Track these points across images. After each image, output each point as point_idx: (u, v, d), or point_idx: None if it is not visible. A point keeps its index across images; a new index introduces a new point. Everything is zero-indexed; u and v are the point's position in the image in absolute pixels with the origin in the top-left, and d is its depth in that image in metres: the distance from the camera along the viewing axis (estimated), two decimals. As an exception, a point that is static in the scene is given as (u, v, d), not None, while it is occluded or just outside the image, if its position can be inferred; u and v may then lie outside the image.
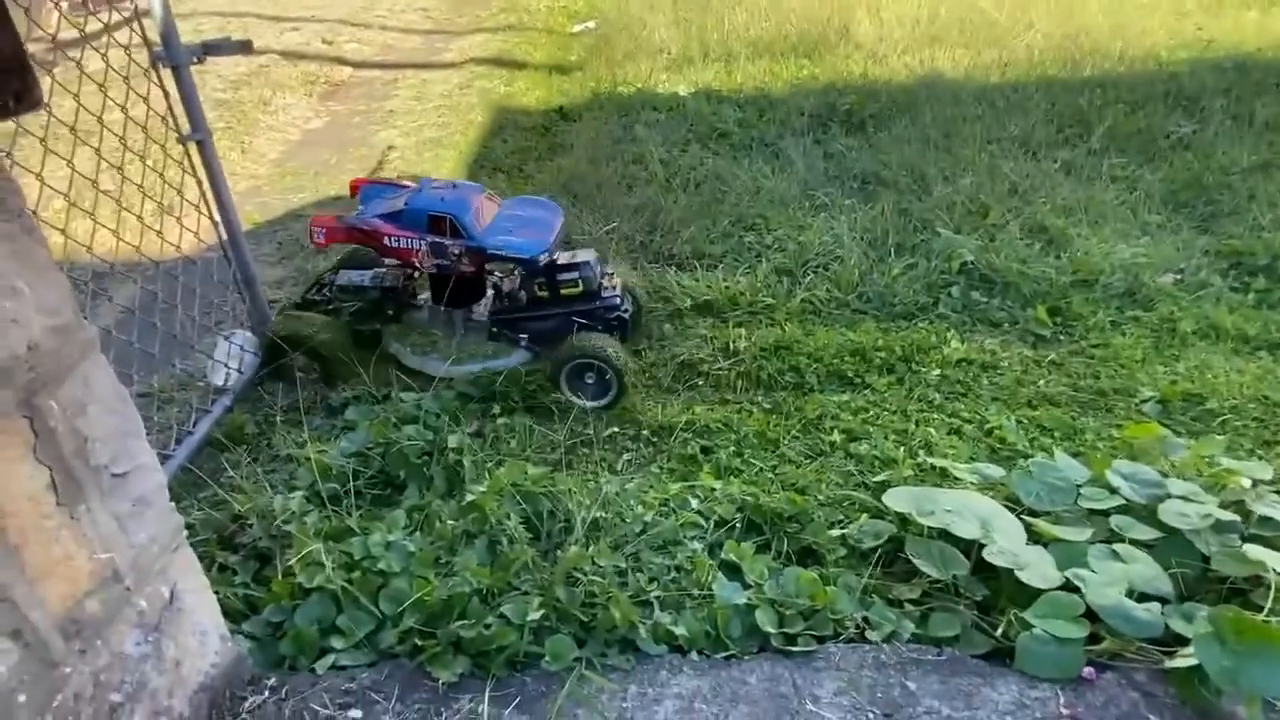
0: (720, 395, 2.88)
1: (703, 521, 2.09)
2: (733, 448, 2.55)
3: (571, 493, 2.11)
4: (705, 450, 2.55)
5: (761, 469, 2.45)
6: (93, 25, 2.54)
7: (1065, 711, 1.51)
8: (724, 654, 1.67)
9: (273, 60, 7.18)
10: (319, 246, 2.98)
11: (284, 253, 3.94)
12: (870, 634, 1.72)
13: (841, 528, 2.13)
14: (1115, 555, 1.80)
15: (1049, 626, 1.62)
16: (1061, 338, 3.15)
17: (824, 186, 4.24)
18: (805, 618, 1.76)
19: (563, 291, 2.87)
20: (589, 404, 2.77)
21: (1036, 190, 4.03)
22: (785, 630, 1.72)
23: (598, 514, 2.05)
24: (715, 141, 4.89)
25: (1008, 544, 1.79)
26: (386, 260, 2.97)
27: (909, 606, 1.83)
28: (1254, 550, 1.64)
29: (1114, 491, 2.01)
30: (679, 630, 1.68)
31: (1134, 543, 1.85)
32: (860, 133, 4.87)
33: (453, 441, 2.37)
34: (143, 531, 1.33)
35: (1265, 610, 1.53)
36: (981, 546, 1.82)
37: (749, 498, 2.17)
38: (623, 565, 1.85)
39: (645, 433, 2.63)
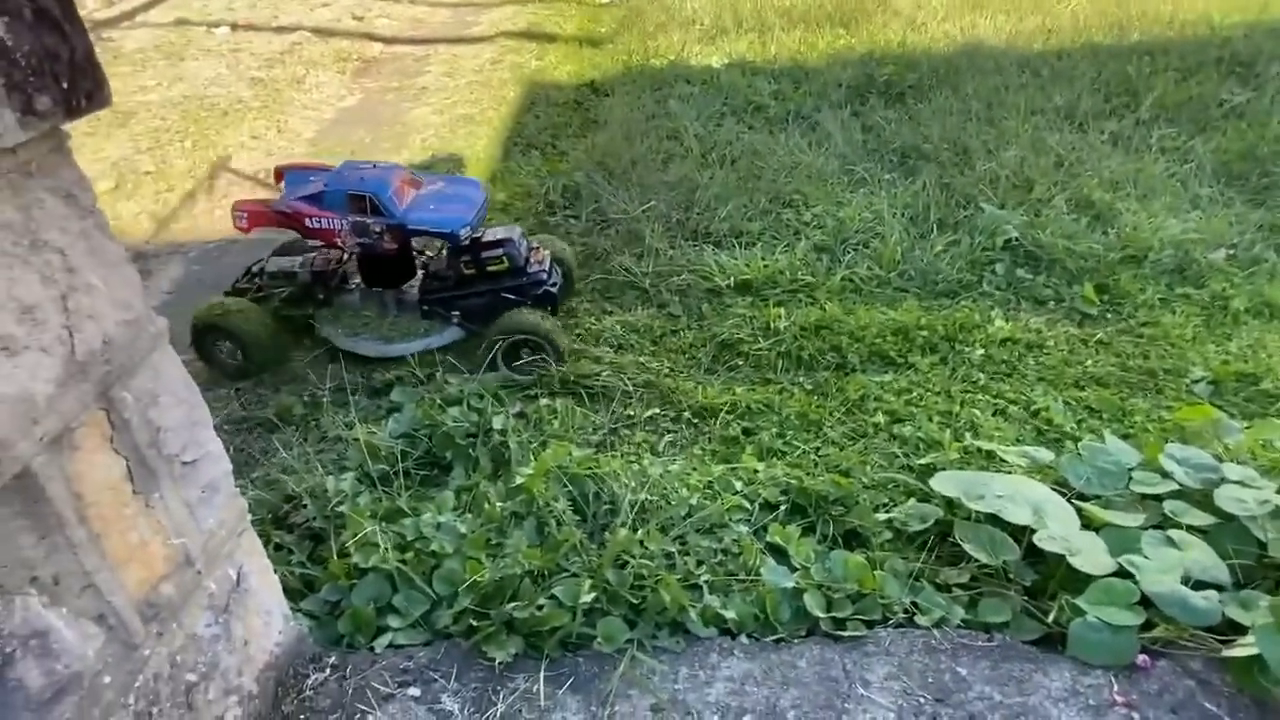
0: (761, 375, 2.87)
1: (748, 504, 2.10)
2: (775, 429, 2.55)
3: (616, 475, 2.13)
4: (747, 432, 2.55)
5: (804, 451, 2.45)
6: None
7: (1119, 699, 1.50)
8: (773, 637, 1.68)
9: (304, 38, 7.20)
10: (242, 231, 2.98)
11: (323, 233, 3.98)
12: (920, 619, 1.72)
13: (887, 511, 2.12)
14: (1170, 541, 1.78)
15: (1102, 613, 1.60)
16: (1109, 316, 3.08)
17: (863, 161, 4.17)
18: (853, 602, 1.77)
19: (489, 269, 2.93)
20: (521, 378, 2.85)
21: (1083, 163, 3.93)
22: (834, 615, 1.73)
23: (643, 497, 2.06)
24: (751, 115, 4.82)
25: (1060, 530, 1.77)
26: (311, 243, 3.01)
27: (957, 591, 1.83)
28: (1318, 539, 1.61)
29: (1166, 475, 1.97)
30: (728, 613, 1.70)
31: (1188, 528, 1.82)
32: (899, 104, 4.77)
33: (497, 423, 2.39)
34: (211, 517, 1.37)
35: (1329, 601, 1.50)
36: (1031, 532, 1.81)
37: (793, 480, 2.18)
38: (670, 548, 1.87)
39: (686, 414, 2.64)
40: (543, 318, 2.87)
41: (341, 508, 2.02)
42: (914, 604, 1.76)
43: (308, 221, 2.85)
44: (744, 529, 2.00)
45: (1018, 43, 5.49)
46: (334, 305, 3.08)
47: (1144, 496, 1.97)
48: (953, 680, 1.55)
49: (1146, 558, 1.74)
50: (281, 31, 7.40)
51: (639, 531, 1.84)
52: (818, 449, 2.46)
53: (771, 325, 3.06)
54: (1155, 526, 1.86)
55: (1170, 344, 2.90)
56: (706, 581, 1.77)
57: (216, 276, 3.72)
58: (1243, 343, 2.89)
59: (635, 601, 1.72)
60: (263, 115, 5.52)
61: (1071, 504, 1.96)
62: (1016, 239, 3.38)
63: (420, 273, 3.11)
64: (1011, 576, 1.82)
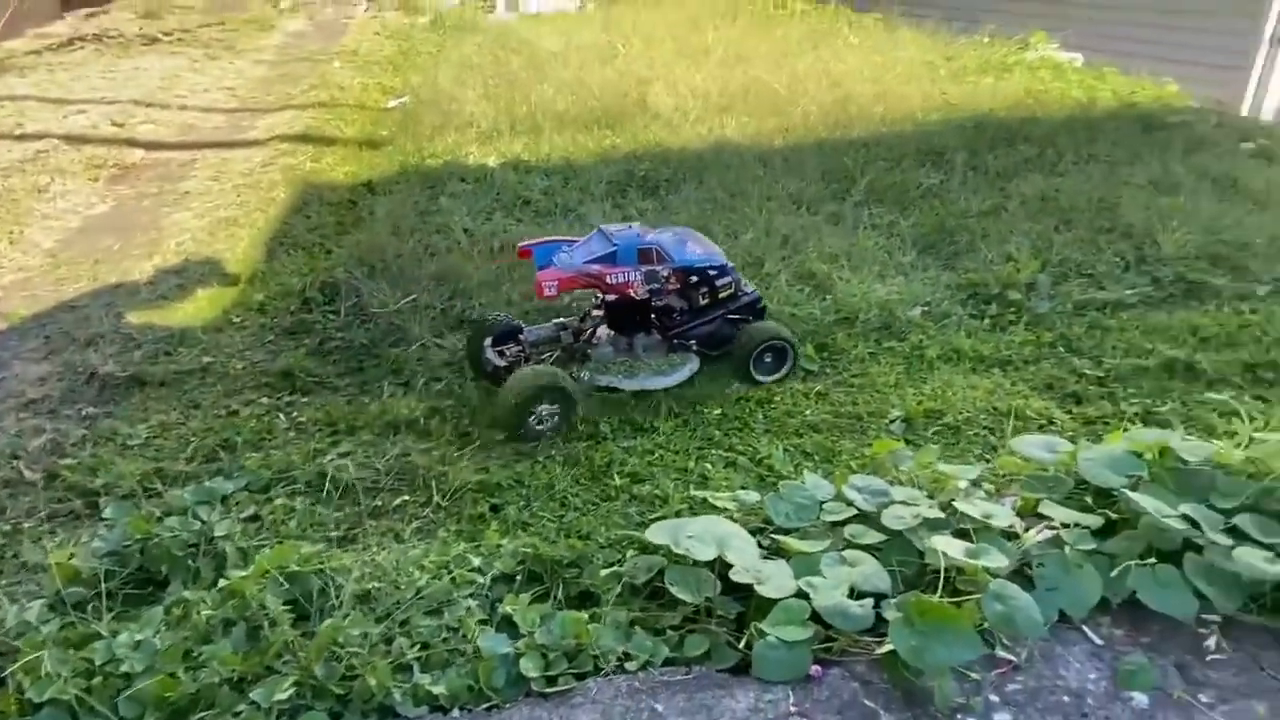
0: (515, 450, 2.94)
1: (480, 578, 2.12)
2: (522, 503, 2.61)
3: (346, 568, 2.09)
4: (495, 508, 2.60)
5: (549, 520, 2.52)
6: None
7: (794, 709, 1.65)
8: (486, 705, 1.70)
9: (52, 145, 6.73)
10: (550, 298, 3.17)
11: (51, 347, 3.66)
12: (629, 665, 1.81)
13: (620, 567, 2.22)
14: (844, 560, 2.00)
15: (780, 632, 1.77)
16: (828, 370, 3.47)
17: (621, 247, 4.47)
18: (570, 658, 1.83)
19: (720, 295, 3.36)
20: (768, 378, 3.33)
21: (806, 241, 4.46)
22: (548, 674, 1.78)
23: (370, 585, 2.04)
24: (520, 209, 5.05)
25: (745, 561, 1.95)
26: (606, 296, 3.30)
27: (670, 633, 1.94)
28: (936, 540, 1.88)
29: (850, 504, 2.23)
30: (439, 689, 1.70)
31: (864, 547, 2.06)
32: (655, 196, 5.20)
33: (221, 529, 2.28)
34: None
35: (939, 591, 1.76)
36: (729, 567, 1.97)
37: (528, 549, 2.24)
38: (389, 632, 1.85)
39: (436, 498, 2.64)
40: (776, 323, 3.42)
41: (18, 640, 1.83)
42: (625, 652, 1.85)
43: (608, 278, 3.19)
44: (472, 603, 2.02)
45: (758, 140, 6.19)
46: (592, 358, 3.36)
47: (832, 524, 2.21)
48: (650, 717, 1.64)
49: (824, 577, 1.94)
50: (24, 139, 6.88)
51: (347, 619, 1.81)
52: (561, 517, 2.54)
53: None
54: (839, 550, 2.09)
55: (876, 391, 3.30)
56: (418, 659, 1.76)
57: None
58: (934, 385, 3.35)
59: (342, 692, 1.68)
60: (-9, 226, 5.06)
61: (773, 538, 2.17)
62: (749, 309, 3.75)
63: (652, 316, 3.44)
64: (716, 611, 1.96)
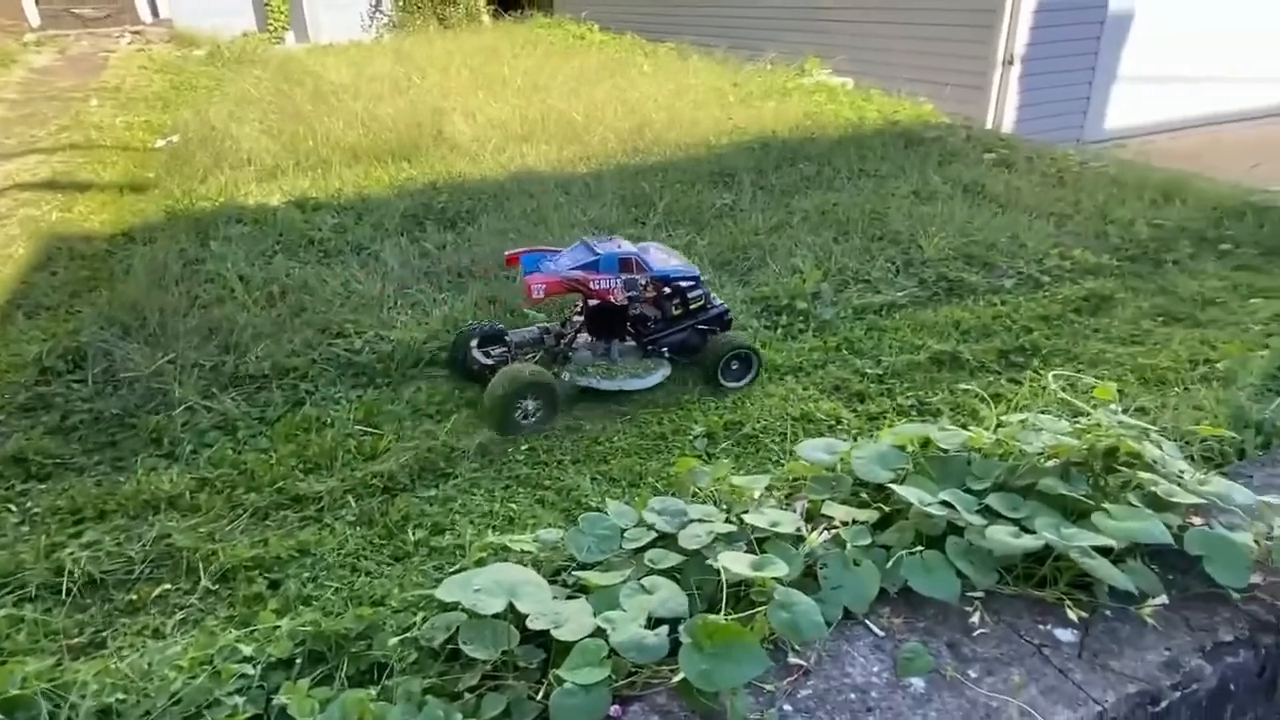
0: (302, 514, 2.70)
1: (250, 668, 1.89)
2: (307, 574, 2.39)
3: (83, 683, 1.79)
4: (274, 584, 2.35)
5: (335, 590, 2.31)
6: None
7: (594, 757, 1.58)
8: (249, 818, 1.50)
9: None
10: (537, 300, 3.34)
11: None
12: (418, 739, 1.67)
13: (415, 631, 2.07)
14: (643, 588, 1.97)
15: (577, 676, 1.69)
16: (634, 394, 3.48)
17: (418, 283, 4.30)
18: (352, 744, 1.66)
19: (691, 306, 3.58)
20: (735, 385, 3.52)
21: (607, 264, 4.49)
22: (325, 767, 1.60)
23: (112, 700, 1.76)
24: (306, 250, 4.73)
25: (540, 606, 1.86)
26: (589, 302, 3.50)
27: (468, 695, 1.82)
28: (724, 556, 1.89)
29: (651, 528, 2.21)
30: (188, 811, 1.48)
31: (663, 572, 2.04)
32: (454, 228, 5.05)
33: (-84, 659, 1.89)
34: None
35: (723, 608, 1.77)
36: (524, 616, 1.87)
37: (308, 627, 2.03)
38: (131, 752, 1.60)
39: (205, 582, 2.36)
40: (741, 335, 3.66)
41: None
42: (416, 725, 1.71)
43: (591, 284, 3.36)
44: (240, 699, 1.79)
45: (559, 168, 6.21)
46: (571, 360, 3.52)
47: (634, 552, 2.18)
48: (439, 796, 1.51)
49: (623, 610, 1.90)
50: None
51: (72, 747, 1.54)
52: (351, 584, 2.34)
53: (323, 462, 2.92)
54: (641, 578, 2.06)
55: (680, 408, 3.35)
56: (163, 781, 1.53)
57: None
58: (734, 397, 3.45)
59: (64, 837, 1.41)
60: None
61: (575, 575, 2.10)
62: (556, 340, 3.71)
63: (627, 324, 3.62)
64: (519, 665, 1.87)
